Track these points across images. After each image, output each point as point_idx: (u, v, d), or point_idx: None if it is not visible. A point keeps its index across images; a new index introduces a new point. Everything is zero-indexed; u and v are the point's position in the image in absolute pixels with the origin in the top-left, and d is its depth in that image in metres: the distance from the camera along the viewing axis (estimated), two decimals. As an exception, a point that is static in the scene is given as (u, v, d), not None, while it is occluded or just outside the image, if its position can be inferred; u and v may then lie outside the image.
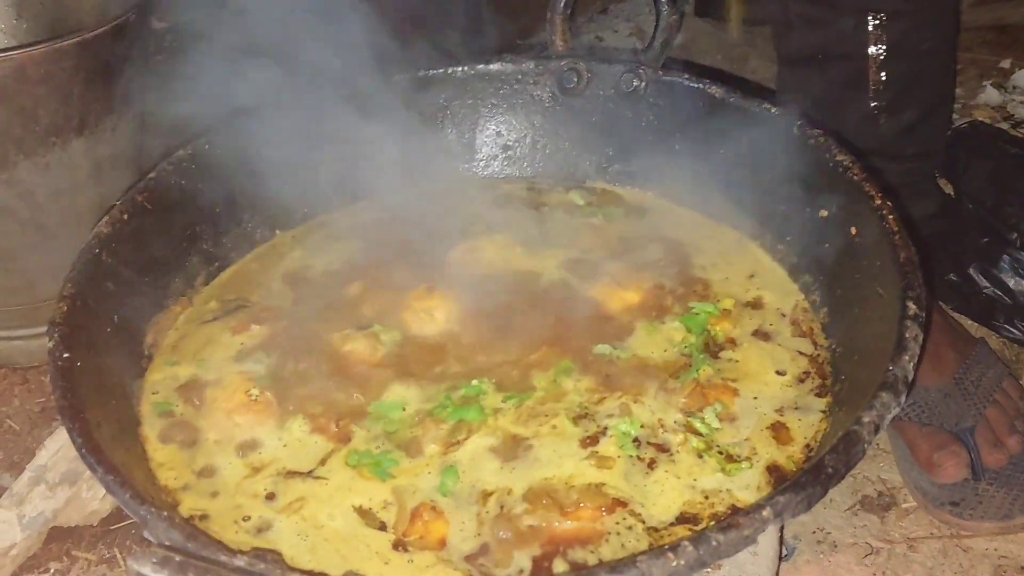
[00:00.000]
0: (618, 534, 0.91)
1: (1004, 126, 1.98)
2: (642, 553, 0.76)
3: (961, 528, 1.25)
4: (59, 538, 1.25)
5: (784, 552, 1.23)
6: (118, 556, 1.25)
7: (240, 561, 0.71)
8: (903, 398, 0.87)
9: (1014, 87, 2.11)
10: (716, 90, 1.24)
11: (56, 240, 1.44)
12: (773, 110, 1.20)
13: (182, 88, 1.14)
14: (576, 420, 1.01)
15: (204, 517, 0.93)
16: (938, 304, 1.42)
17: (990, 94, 2.07)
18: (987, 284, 1.49)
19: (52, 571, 1.23)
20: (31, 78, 1.33)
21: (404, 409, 1.04)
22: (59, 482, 1.26)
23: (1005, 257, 1.48)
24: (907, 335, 0.91)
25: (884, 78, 1.31)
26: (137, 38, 1.50)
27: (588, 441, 0.99)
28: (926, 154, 1.42)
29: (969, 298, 1.50)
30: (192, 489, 0.96)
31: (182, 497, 0.95)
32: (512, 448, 0.99)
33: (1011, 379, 1.35)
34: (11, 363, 1.53)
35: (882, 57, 1.31)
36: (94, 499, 1.27)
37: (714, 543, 0.76)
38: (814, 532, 1.27)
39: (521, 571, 0.88)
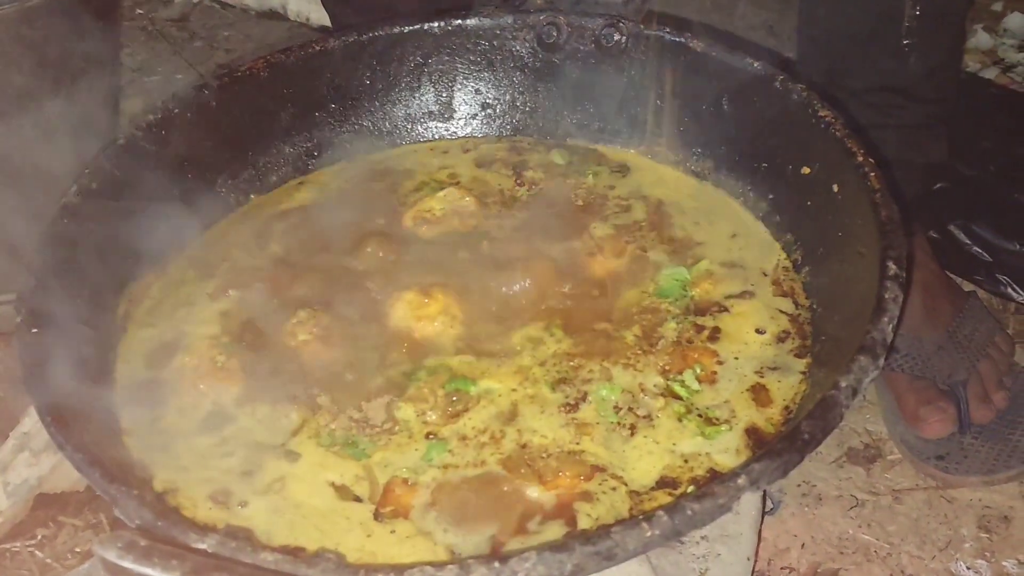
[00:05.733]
0: (604, 493, 0.90)
1: (994, 70, 1.96)
2: (616, 523, 0.76)
3: (946, 482, 1.25)
4: (45, 505, 1.26)
5: (770, 506, 1.24)
6: (104, 522, 1.25)
7: (210, 542, 0.71)
8: (881, 361, 0.86)
9: (1005, 31, 2.08)
10: (698, 44, 1.21)
11: (34, 204, 1.42)
12: (756, 64, 1.17)
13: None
14: (555, 386, 1.00)
15: (175, 491, 0.92)
16: (933, 256, 1.41)
17: (981, 38, 2.04)
18: (968, 241, 1.49)
19: (39, 538, 1.23)
20: (1, 39, 1.31)
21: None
22: (44, 449, 1.26)
23: (990, 216, 1.47)
24: (887, 296, 0.89)
25: (918, 12, 1.28)
26: (111, -5, 1.48)
27: (568, 407, 0.98)
28: (945, 98, 1.40)
29: (950, 254, 1.50)
30: (160, 461, 0.95)
31: (155, 471, 0.94)
32: (500, 416, 0.98)
33: (1003, 334, 1.35)
34: (-7, 328, 1.52)
35: None
36: (79, 466, 1.26)
37: (689, 512, 0.76)
38: (799, 485, 1.28)
39: (493, 538, 0.88)
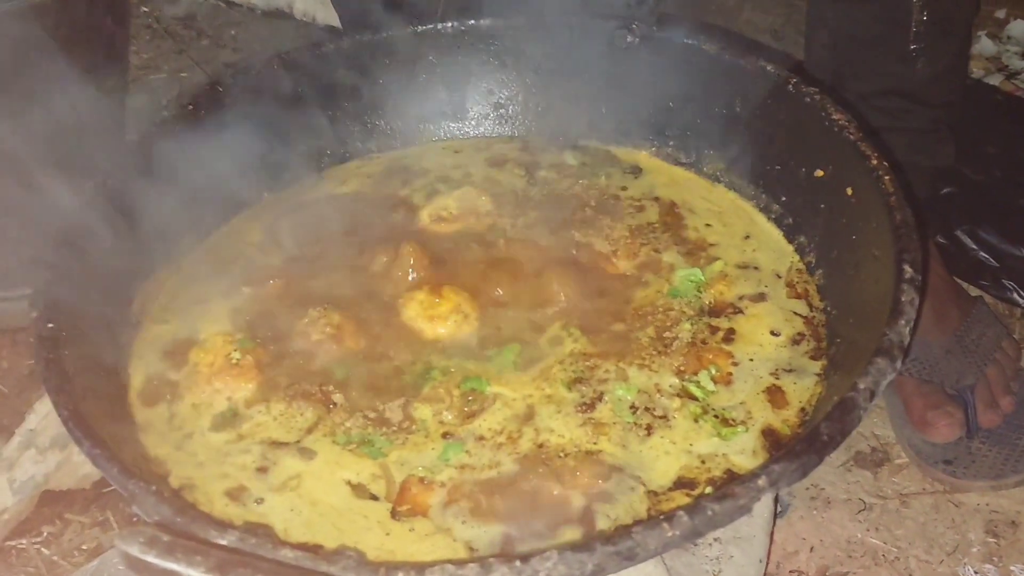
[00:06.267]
0: (622, 493, 0.90)
1: (998, 77, 1.96)
2: (637, 523, 0.76)
3: (954, 486, 1.25)
4: (51, 502, 1.25)
5: (779, 508, 1.24)
6: (111, 519, 1.25)
7: (230, 538, 0.70)
8: (899, 363, 0.86)
9: (1008, 37, 2.08)
10: (711, 47, 1.22)
11: (42, 200, 1.41)
12: (769, 67, 1.17)
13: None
14: (571, 385, 1.00)
15: (191, 487, 0.91)
16: (941, 261, 1.41)
17: (985, 44, 2.05)
18: (974, 246, 1.49)
19: (45, 535, 1.23)
20: (10, 36, 1.30)
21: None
22: (50, 446, 1.25)
23: (997, 221, 1.48)
24: (903, 299, 0.90)
25: (926, 18, 1.29)
26: (119, -7, 1.48)
27: (584, 407, 0.98)
28: (951, 103, 1.41)
29: (957, 259, 1.50)
30: (176, 457, 0.95)
31: (171, 467, 0.93)
32: (516, 417, 0.98)
33: (1010, 339, 1.35)
34: (-1, 325, 1.52)
35: None
36: (86, 462, 1.24)
37: (709, 512, 0.76)
38: (808, 488, 1.27)
39: (511, 540, 0.87)
